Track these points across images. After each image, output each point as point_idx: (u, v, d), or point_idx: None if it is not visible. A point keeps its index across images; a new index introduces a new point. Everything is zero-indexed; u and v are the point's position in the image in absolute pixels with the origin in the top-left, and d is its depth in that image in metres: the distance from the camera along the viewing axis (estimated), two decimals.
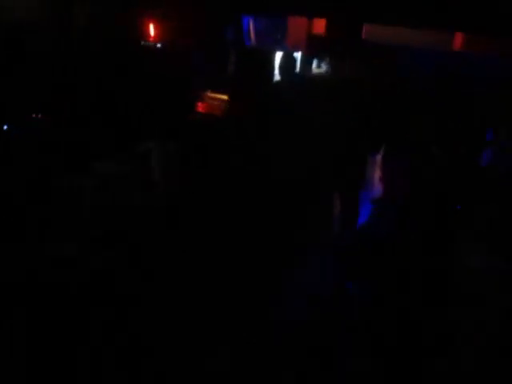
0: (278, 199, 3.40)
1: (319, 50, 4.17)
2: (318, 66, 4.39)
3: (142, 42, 4.45)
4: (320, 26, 3.95)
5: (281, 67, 3.96)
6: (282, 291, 2.77)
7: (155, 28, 4.31)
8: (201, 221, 3.28)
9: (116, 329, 2.39)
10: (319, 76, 4.37)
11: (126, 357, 2.26)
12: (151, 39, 4.43)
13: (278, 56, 4.33)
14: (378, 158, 3.04)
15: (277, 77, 4.25)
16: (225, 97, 4.17)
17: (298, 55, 4.28)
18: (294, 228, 3.25)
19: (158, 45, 4.45)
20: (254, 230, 3.19)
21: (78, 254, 2.79)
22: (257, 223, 3.24)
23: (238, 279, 2.81)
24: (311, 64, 4.33)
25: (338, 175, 3.45)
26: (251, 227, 3.20)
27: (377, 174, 3.01)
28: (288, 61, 3.95)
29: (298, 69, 4.25)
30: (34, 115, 3.93)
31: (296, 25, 4.11)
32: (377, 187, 2.98)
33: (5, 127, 3.76)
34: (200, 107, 4.23)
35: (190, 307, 2.57)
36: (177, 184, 3.81)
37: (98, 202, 3.36)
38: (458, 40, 4.02)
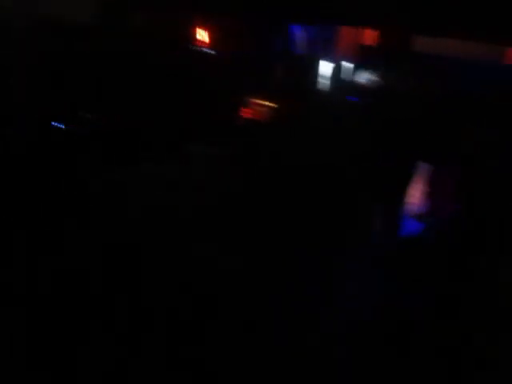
0: (320, 207, 3.40)
1: (368, 60, 4.16)
2: (364, 76, 4.37)
3: (194, 47, 4.57)
4: (370, 36, 3.96)
5: (329, 76, 3.98)
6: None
7: (207, 34, 4.42)
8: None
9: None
10: (364, 86, 4.36)
11: None
12: (202, 44, 4.54)
13: (324, 65, 4.36)
14: (426, 172, 3.02)
15: (323, 85, 4.28)
16: (271, 103, 4.22)
17: (345, 64, 4.29)
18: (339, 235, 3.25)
19: (209, 50, 4.55)
20: (297, 235, 3.20)
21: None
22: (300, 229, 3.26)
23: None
24: (357, 74, 4.32)
25: (380, 185, 3.43)
26: (294, 233, 3.22)
27: (423, 188, 2.99)
28: (335, 70, 3.97)
29: (344, 78, 4.25)
30: (92, 115, 4.11)
31: (345, 34, 4.13)
32: (422, 202, 2.96)
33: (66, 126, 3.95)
34: (246, 113, 4.29)
35: None
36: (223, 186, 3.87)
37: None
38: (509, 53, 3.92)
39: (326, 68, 4.26)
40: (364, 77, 4.24)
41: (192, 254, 2.83)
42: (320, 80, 4.34)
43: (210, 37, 4.40)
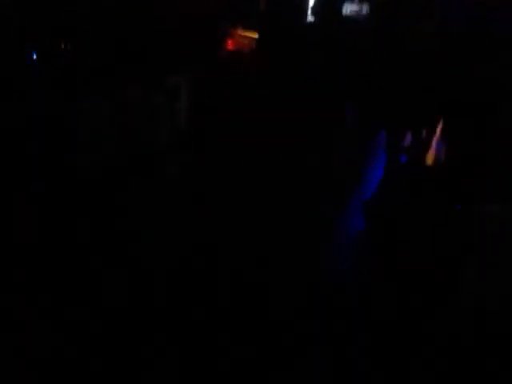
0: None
1: None
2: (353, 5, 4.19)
3: None
4: None
5: (315, 6, 3.82)
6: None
7: None
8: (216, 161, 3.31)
9: None
10: (353, 16, 4.19)
11: None
12: None
13: None
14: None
15: (310, 17, 4.11)
16: (255, 35, 4.08)
17: None
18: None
19: None
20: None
21: None
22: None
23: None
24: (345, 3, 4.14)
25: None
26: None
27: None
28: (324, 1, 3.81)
29: (332, 8, 4.08)
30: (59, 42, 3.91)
31: None
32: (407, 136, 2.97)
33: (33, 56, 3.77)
34: (229, 44, 4.15)
35: None
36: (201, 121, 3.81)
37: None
38: None
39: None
40: (353, 8, 4.09)
41: None
42: (307, 13, 4.17)
43: None
